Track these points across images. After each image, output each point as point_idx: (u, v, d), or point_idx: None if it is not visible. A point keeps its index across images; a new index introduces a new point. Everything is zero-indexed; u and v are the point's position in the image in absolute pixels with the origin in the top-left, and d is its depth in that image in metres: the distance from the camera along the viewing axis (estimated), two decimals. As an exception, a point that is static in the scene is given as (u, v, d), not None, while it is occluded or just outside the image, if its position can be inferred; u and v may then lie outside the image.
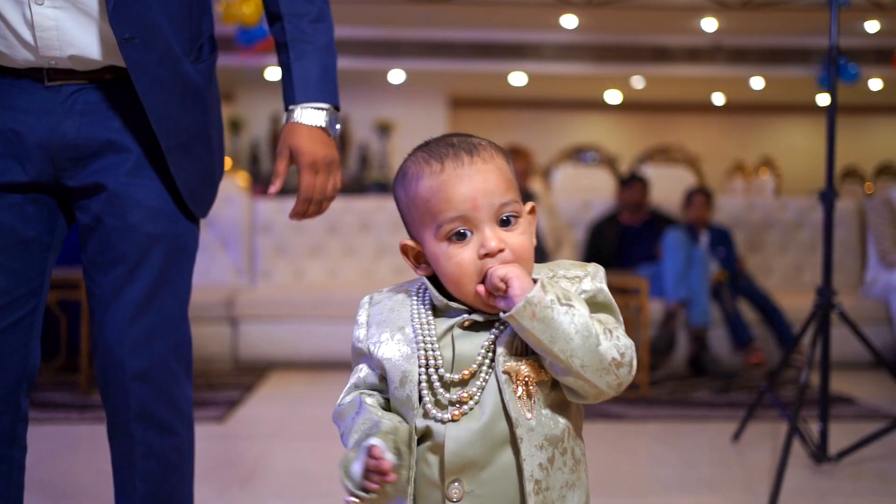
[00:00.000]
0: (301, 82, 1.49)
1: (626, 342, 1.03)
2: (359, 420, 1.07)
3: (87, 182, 1.41)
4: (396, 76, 9.55)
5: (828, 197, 2.63)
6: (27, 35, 1.35)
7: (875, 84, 9.27)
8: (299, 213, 1.52)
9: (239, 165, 9.47)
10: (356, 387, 1.12)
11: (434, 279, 1.11)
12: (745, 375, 4.24)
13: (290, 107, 1.50)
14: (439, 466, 1.04)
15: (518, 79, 9.57)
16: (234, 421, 3.35)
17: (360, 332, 1.12)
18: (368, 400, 1.10)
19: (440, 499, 1.05)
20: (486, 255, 1.04)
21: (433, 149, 1.09)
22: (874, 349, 2.70)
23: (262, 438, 3.09)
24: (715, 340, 4.40)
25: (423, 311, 1.09)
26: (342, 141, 10.21)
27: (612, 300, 1.08)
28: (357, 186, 9.35)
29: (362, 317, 1.13)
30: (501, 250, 1.04)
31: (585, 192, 5.36)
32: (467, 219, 1.05)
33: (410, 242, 1.12)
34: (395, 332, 1.09)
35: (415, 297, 1.12)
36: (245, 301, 4.46)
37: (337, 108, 1.54)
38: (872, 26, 7.91)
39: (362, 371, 1.12)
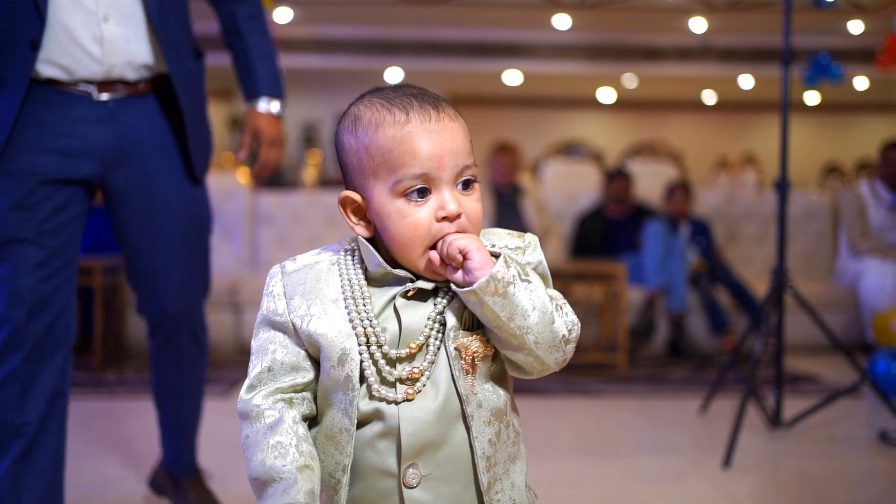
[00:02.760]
0: (262, 81, 1.99)
1: (573, 318, 1.00)
2: (271, 440, 0.98)
3: (131, 177, 1.80)
4: (394, 75, 9.77)
5: (782, 187, 2.87)
6: (95, 49, 1.72)
7: (860, 83, 9.50)
8: (258, 174, 2.05)
9: (240, 161, 9.70)
10: (270, 371, 1.01)
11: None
12: (721, 358, 4.49)
13: (254, 98, 1.99)
14: (396, 452, 0.97)
15: (513, 77, 9.77)
16: (237, 397, 3.59)
17: (278, 305, 1.02)
18: (289, 416, 0.99)
19: (394, 487, 0.97)
20: (444, 219, 0.98)
21: (392, 97, 1.01)
22: (827, 328, 2.93)
23: (264, 412, 3.33)
24: (693, 326, 4.66)
25: (355, 280, 1.01)
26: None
27: (549, 272, 1.05)
28: (355, 182, 9.58)
29: (276, 288, 1.03)
30: (459, 215, 0.98)
31: (573, 186, 5.60)
32: (429, 177, 0.97)
33: (353, 195, 1.02)
34: (328, 305, 1.00)
35: (343, 265, 1.03)
36: (247, 289, 4.69)
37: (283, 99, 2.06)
38: (856, 27, 8.14)
39: (278, 352, 1.01)
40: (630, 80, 10.13)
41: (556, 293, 1.02)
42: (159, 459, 2.21)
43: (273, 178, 9.38)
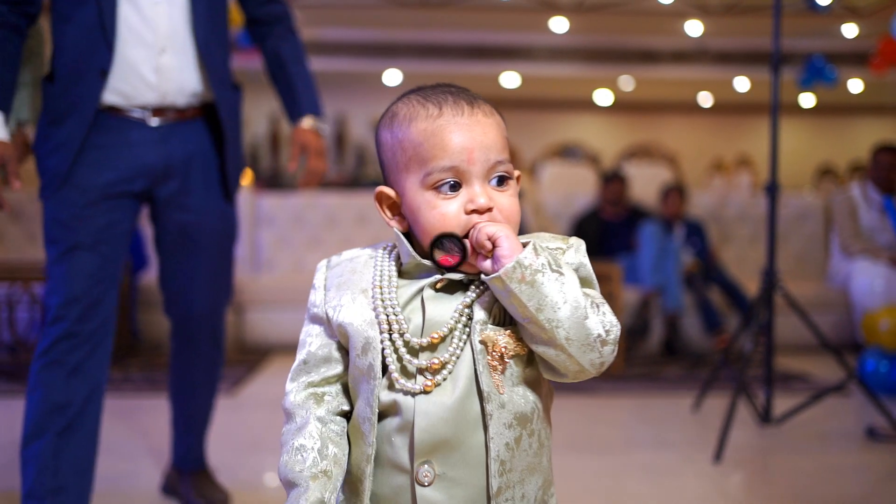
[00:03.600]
0: (306, 104, 2.17)
1: (612, 319, 0.96)
2: (296, 443, 0.99)
3: (174, 192, 1.99)
4: (392, 77, 9.83)
5: (771, 190, 2.95)
6: (152, 77, 1.88)
7: (854, 85, 9.57)
8: (309, 183, 2.19)
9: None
10: (305, 363, 1.04)
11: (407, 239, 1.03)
12: (714, 357, 4.56)
13: (298, 117, 2.17)
14: (408, 447, 0.95)
15: (510, 80, 9.84)
16: (241, 395, 3.66)
17: (317, 296, 1.05)
18: (317, 416, 1.01)
19: (406, 483, 0.96)
20: (474, 212, 0.97)
21: (429, 94, 1.02)
22: (815, 327, 3.01)
23: (265, 410, 3.40)
24: (687, 326, 4.74)
25: (386, 271, 1.02)
26: (339, 140, 10.52)
27: (594, 276, 1.02)
28: (354, 183, 9.66)
29: (319, 280, 1.06)
30: (490, 209, 0.97)
31: (570, 188, 5.68)
32: (459, 171, 0.97)
33: (388, 190, 1.04)
34: (357, 295, 1.01)
35: (379, 259, 1.04)
36: (249, 290, 4.77)
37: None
38: (851, 30, 8.21)
39: (313, 343, 1.04)
40: (626, 83, 10.20)
41: (596, 294, 0.99)
42: (169, 462, 2.33)
43: (273, 180, 9.45)
